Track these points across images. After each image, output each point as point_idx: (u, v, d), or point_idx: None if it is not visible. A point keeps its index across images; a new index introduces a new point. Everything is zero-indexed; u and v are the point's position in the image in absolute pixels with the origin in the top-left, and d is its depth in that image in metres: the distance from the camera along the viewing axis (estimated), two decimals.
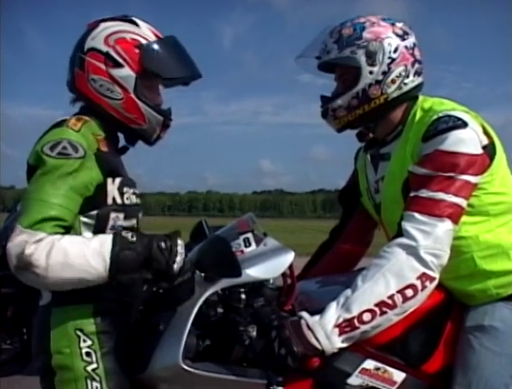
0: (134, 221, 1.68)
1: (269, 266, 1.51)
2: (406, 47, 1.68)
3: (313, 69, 1.82)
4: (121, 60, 1.62)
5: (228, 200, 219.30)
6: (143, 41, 1.65)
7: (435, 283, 1.48)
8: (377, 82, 1.65)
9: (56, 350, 1.55)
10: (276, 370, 1.43)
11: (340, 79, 1.75)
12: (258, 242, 1.57)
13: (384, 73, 1.65)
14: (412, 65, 1.68)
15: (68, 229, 1.49)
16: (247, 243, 1.56)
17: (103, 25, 1.68)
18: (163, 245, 1.46)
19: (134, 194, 1.69)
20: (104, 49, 1.63)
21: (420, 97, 1.73)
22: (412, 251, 1.45)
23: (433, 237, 1.46)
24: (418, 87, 1.72)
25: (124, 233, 1.48)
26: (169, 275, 1.46)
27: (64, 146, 1.50)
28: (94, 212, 1.57)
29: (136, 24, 1.68)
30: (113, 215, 1.59)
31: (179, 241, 1.48)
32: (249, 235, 1.58)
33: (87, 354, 1.55)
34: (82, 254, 1.41)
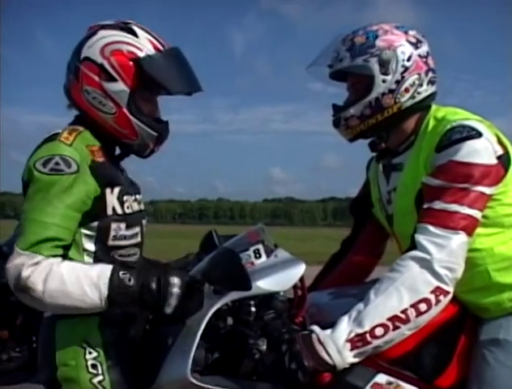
0: (137, 229, 1.65)
1: (280, 278, 1.48)
2: (419, 55, 1.65)
3: (325, 77, 1.80)
4: (115, 74, 1.57)
5: (239, 208, 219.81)
6: (140, 54, 1.59)
7: (449, 297, 1.44)
8: (391, 91, 1.62)
9: (61, 362, 1.53)
10: (286, 385, 1.40)
11: (352, 87, 1.72)
12: (268, 254, 1.54)
13: (397, 82, 1.62)
14: (426, 73, 1.65)
15: (67, 248, 1.48)
16: (257, 255, 1.54)
17: (100, 33, 1.62)
18: (154, 286, 1.42)
19: (135, 200, 1.66)
20: (99, 60, 1.58)
21: (433, 106, 1.70)
22: (426, 265, 1.42)
23: (447, 250, 1.43)
24: (431, 97, 1.69)
25: (122, 274, 1.43)
26: (164, 314, 1.43)
27: (56, 162, 1.46)
28: (95, 224, 1.54)
29: (135, 34, 1.62)
30: (113, 225, 1.56)
31: (175, 281, 1.42)
32: (260, 246, 1.55)
33: (93, 366, 1.53)
34: (78, 284, 1.39)
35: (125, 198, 1.60)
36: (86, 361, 1.53)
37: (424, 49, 1.67)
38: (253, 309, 1.48)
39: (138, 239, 1.66)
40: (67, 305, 1.40)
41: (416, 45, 1.65)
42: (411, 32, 1.68)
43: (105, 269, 1.43)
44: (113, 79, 1.56)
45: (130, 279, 1.42)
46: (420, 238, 1.45)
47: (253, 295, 1.47)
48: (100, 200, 1.53)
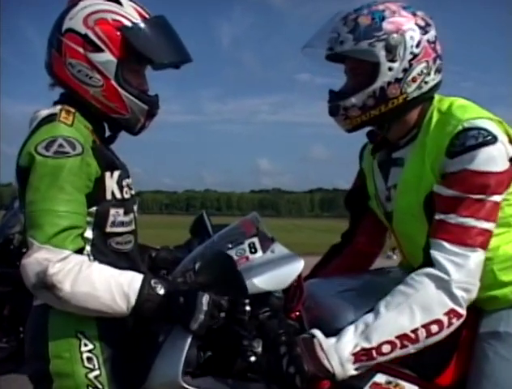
0: (131, 216, 1.59)
1: (277, 276, 1.40)
2: (428, 41, 1.51)
3: (320, 59, 1.63)
4: (101, 44, 1.48)
5: (226, 199, 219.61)
6: (126, 22, 1.50)
7: (462, 320, 1.39)
8: (397, 80, 1.49)
9: (54, 354, 1.44)
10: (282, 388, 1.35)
11: (352, 72, 1.58)
12: (264, 248, 1.45)
13: (405, 70, 1.49)
14: (434, 61, 1.53)
15: (83, 235, 1.42)
16: (252, 249, 1.45)
17: (82, 3, 1.52)
18: (182, 299, 1.36)
19: (127, 186, 1.59)
20: (83, 30, 1.49)
21: (436, 96, 1.59)
22: (444, 285, 1.36)
23: (465, 271, 1.37)
24: (437, 86, 1.57)
25: (153, 282, 1.38)
26: (189, 330, 1.37)
27: (60, 143, 1.38)
28: (93, 209, 1.46)
29: (119, 3, 1.53)
30: (112, 211, 1.50)
31: (204, 300, 1.35)
32: (255, 240, 1.46)
33: (89, 360, 1.44)
34: (108, 290, 1.34)
35: (124, 182, 1.54)
36: (81, 353, 1.44)
37: (432, 33, 1.53)
38: (247, 308, 1.39)
39: (133, 226, 1.60)
40: (91, 309, 1.36)
41: (424, 29, 1.52)
42: (420, 14, 1.54)
43: (136, 277, 1.38)
44: (99, 49, 1.48)
45: (161, 288, 1.38)
46: (437, 256, 1.38)
47: (249, 294, 1.39)
48: (100, 184, 1.46)
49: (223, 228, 1.69)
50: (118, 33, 1.49)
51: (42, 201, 1.36)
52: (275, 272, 1.40)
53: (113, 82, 1.50)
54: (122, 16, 1.50)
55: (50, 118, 1.46)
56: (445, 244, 1.38)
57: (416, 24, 1.51)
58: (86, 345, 1.45)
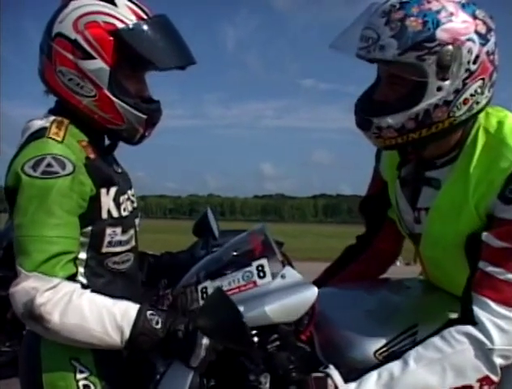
0: (131, 232, 1.48)
1: (289, 306, 1.28)
2: (487, 53, 1.24)
3: (351, 54, 1.33)
4: (91, 50, 1.35)
5: (230, 204, 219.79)
6: (120, 25, 1.36)
7: (493, 387, 1.27)
8: (446, 102, 1.24)
9: (48, 383, 1.36)
10: None
11: (390, 81, 1.31)
12: (274, 273, 1.32)
13: (457, 91, 1.24)
14: (490, 77, 1.27)
15: (76, 260, 1.32)
16: (261, 273, 1.32)
17: (73, 4, 1.38)
18: (181, 334, 1.26)
19: (128, 199, 1.49)
20: (73, 35, 1.35)
21: None
22: (485, 352, 1.22)
23: (509, 337, 1.23)
24: (488, 103, 1.33)
25: (149, 314, 1.28)
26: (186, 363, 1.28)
27: (48, 162, 1.27)
28: (88, 229, 1.36)
29: (113, 2, 1.38)
30: (109, 230, 1.39)
31: (204, 342, 1.25)
32: (264, 262, 1.34)
33: (85, 387, 1.36)
34: (100, 322, 1.25)
35: (121, 199, 1.43)
36: (77, 381, 1.36)
37: (492, 41, 1.25)
38: (255, 339, 1.28)
39: (133, 243, 1.50)
40: (82, 342, 1.27)
41: (485, 38, 1.23)
42: (481, 15, 1.25)
43: (130, 308, 1.29)
44: (90, 56, 1.35)
45: (157, 322, 1.27)
46: (482, 316, 1.23)
47: (260, 325, 1.28)
48: (95, 202, 1.36)
49: (228, 234, 1.58)
50: (111, 38, 1.36)
51: (30, 225, 1.26)
52: (286, 303, 1.28)
53: (107, 91, 1.37)
54: (116, 18, 1.36)
55: (39, 134, 1.34)
56: (491, 303, 1.23)
57: (476, 32, 1.22)
58: (82, 372, 1.36)
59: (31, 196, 1.26)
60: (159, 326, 1.27)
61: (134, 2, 1.41)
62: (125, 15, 1.37)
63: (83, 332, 1.25)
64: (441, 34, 1.20)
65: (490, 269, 1.24)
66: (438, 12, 1.21)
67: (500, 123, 1.31)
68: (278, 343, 1.30)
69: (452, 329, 1.25)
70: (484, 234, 1.27)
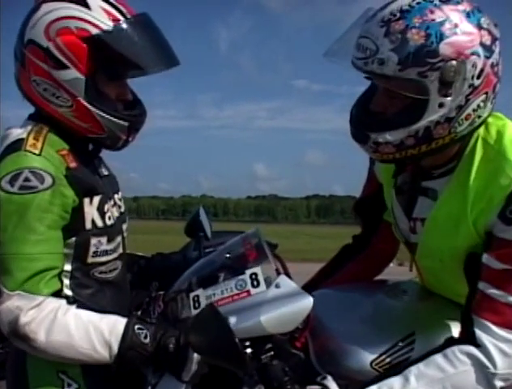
0: (118, 239, 1.43)
1: (285, 317, 1.24)
2: (492, 65, 1.18)
3: (345, 62, 1.26)
4: (64, 59, 1.27)
5: (223, 205, 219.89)
6: (94, 30, 1.27)
7: None
8: (448, 119, 1.18)
9: None
10: None
11: (389, 95, 1.23)
12: (268, 282, 1.28)
13: (459, 107, 1.18)
14: (494, 89, 1.21)
15: (61, 274, 1.28)
16: (255, 281, 1.28)
17: (44, 8, 1.30)
18: (171, 348, 1.22)
19: (115, 205, 1.45)
20: (44, 43, 1.27)
21: None
22: (486, 375, 1.20)
23: (511, 360, 1.20)
24: (490, 115, 1.27)
25: (137, 328, 1.24)
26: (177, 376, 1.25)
27: (26, 177, 1.21)
28: (72, 240, 1.31)
29: (86, 5, 1.29)
30: (93, 240, 1.33)
31: (194, 357, 1.23)
32: (257, 270, 1.29)
33: None
34: (87, 338, 1.21)
35: (106, 207, 1.37)
36: None
37: (497, 50, 1.19)
38: (248, 350, 1.24)
39: (120, 250, 1.45)
40: (71, 358, 1.23)
41: (490, 49, 1.16)
42: (485, 24, 1.17)
43: (118, 323, 1.24)
44: (63, 66, 1.27)
45: (146, 336, 1.23)
46: (484, 339, 1.20)
47: (254, 336, 1.25)
48: (78, 212, 1.30)
49: (221, 235, 1.54)
50: (84, 45, 1.27)
51: (10, 243, 1.21)
52: (282, 313, 1.24)
53: (83, 101, 1.30)
54: (89, 23, 1.28)
55: (16, 146, 1.27)
56: (493, 326, 1.21)
57: (481, 44, 1.15)
58: (69, 385, 1.33)
59: (9, 213, 1.20)
60: (147, 340, 1.23)
61: (109, 2, 1.32)
62: (100, 19, 1.29)
63: (71, 350, 1.21)
64: (444, 48, 1.12)
65: (490, 291, 1.21)
66: (442, 24, 1.13)
67: (499, 133, 1.26)
68: (272, 353, 1.27)
69: (455, 348, 1.22)
70: (485, 256, 1.23)
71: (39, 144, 1.27)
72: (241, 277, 1.29)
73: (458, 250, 1.31)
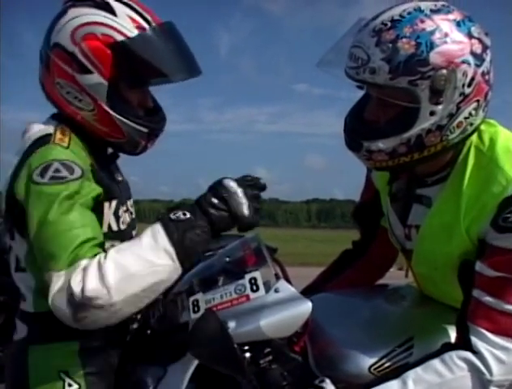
0: None
1: (284, 322, 1.24)
2: (483, 73, 1.19)
3: (339, 72, 1.28)
4: (88, 64, 1.30)
5: None
6: (119, 37, 1.30)
7: None
8: (439, 127, 1.20)
9: None
10: None
11: (381, 103, 1.25)
12: (267, 287, 1.28)
13: (450, 115, 1.19)
14: (485, 97, 1.22)
15: (100, 244, 1.23)
16: (254, 286, 1.28)
17: (71, 13, 1.33)
18: (215, 201, 1.23)
19: (127, 211, 1.45)
20: (70, 47, 1.30)
21: None
22: (483, 382, 1.21)
23: (506, 368, 1.21)
24: (482, 122, 1.29)
25: (172, 215, 1.21)
26: (246, 223, 1.26)
27: (56, 168, 1.23)
28: None
29: (112, 12, 1.32)
30: (107, 244, 1.30)
31: (231, 184, 1.25)
32: (257, 275, 1.29)
33: None
34: (139, 259, 1.15)
35: (120, 211, 1.38)
36: None
37: (488, 59, 1.20)
38: (247, 354, 1.24)
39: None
40: (141, 290, 1.15)
41: (481, 58, 1.18)
42: (475, 33, 1.19)
43: (154, 228, 1.20)
44: (87, 71, 1.31)
45: (184, 214, 1.21)
46: (480, 347, 1.21)
47: (253, 341, 1.25)
48: (98, 214, 1.29)
49: (221, 239, 1.54)
50: (109, 51, 1.30)
51: (46, 229, 1.18)
52: (281, 318, 1.24)
53: (105, 106, 1.33)
54: (115, 30, 1.31)
55: (45, 139, 1.30)
56: (488, 334, 1.21)
57: (472, 53, 1.17)
58: (70, 385, 1.31)
59: (41, 203, 1.20)
60: (187, 215, 1.21)
61: (135, 10, 1.35)
62: (125, 26, 1.32)
63: (134, 281, 1.14)
64: (434, 57, 1.14)
65: (485, 299, 1.22)
66: (432, 33, 1.15)
67: (492, 141, 1.27)
68: (271, 357, 1.27)
69: (453, 353, 1.23)
70: (478, 264, 1.24)
71: (66, 139, 1.30)
72: (240, 282, 1.29)
73: (452, 256, 1.31)
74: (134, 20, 1.33)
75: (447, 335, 1.39)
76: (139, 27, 1.33)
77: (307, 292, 1.52)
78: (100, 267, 1.13)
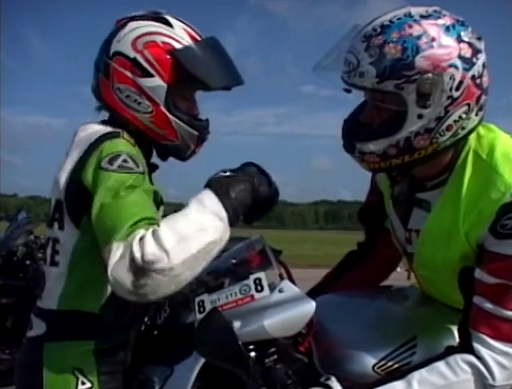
0: None
1: (288, 321, 1.27)
2: (473, 77, 1.19)
3: (336, 79, 1.32)
4: (150, 68, 1.41)
5: None
6: (177, 45, 1.43)
7: None
8: (427, 130, 1.21)
9: None
10: None
11: (374, 105, 1.29)
12: (271, 287, 1.31)
13: (438, 118, 1.20)
14: (477, 101, 1.22)
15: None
16: (258, 286, 1.30)
17: (131, 25, 1.45)
18: (252, 168, 1.34)
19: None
20: (132, 54, 1.42)
21: None
22: (485, 387, 1.22)
23: (509, 373, 1.22)
24: (477, 126, 1.28)
25: (216, 179, 1.28)
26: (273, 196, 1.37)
27: (124, 159, 1.30)
28: None
29: (169, 24, 1.46)
30: None
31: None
32: (262, 276, 1.31)
33: None
34: (193, 222, 1.19)
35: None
36: None
37: (479, 64, 1.20)
38: (252, 354, 1.26)
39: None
40: (198, 251, 1.17)
41: (470, 62, 1.19)
42: (466, 37, 1.20)
43: (202, 193, 1.26)
44: (148, 74, 1.41)
45: (228, 176, 1.29)
46: (483, 352, 1.22)
47: (258, 340, 1.27)
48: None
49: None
50: (168, 57, 1.42)
51: (110, 208, 1.23)
52: (285, 317, 1.26)
53: (163, 108, 1.43)
54: (173, 39, 1.43)
55: (113, 134, 1.36)
56: (490, 340, 1.22)
57: (460, 57, 1.18)
58: (84, 383, 1.34)
59: (108, 187, 1.25)
60: (227, 172, 1.30)
61: (187, 24, 1.49)
62: (182, 36, 1.45)
63: (189, 242, 1.17)
64: (420, 61, 1.16)
65: (485, 306, 1.22)
66: (419, 38, 1.17)
67: (491, 146, 1.28)
68: (276, 356, 1.28)
69: (457, 356, 1.23)
70: (477, 271, 1.25)
71: (132, 140, 1.38)
72: (245, 282, 1.31)
73: (451, 260, 1.32)
74: (188, 32, 1.47)
75: (450, 335, 1.39)
76: (193, 38, 1.47)
77: (313, 294, 1.52)
78: (156, 234, 1.16)
